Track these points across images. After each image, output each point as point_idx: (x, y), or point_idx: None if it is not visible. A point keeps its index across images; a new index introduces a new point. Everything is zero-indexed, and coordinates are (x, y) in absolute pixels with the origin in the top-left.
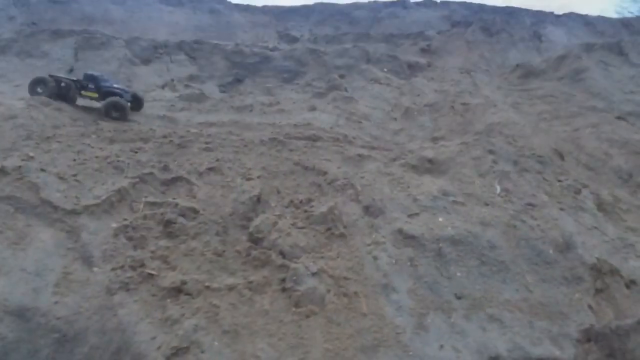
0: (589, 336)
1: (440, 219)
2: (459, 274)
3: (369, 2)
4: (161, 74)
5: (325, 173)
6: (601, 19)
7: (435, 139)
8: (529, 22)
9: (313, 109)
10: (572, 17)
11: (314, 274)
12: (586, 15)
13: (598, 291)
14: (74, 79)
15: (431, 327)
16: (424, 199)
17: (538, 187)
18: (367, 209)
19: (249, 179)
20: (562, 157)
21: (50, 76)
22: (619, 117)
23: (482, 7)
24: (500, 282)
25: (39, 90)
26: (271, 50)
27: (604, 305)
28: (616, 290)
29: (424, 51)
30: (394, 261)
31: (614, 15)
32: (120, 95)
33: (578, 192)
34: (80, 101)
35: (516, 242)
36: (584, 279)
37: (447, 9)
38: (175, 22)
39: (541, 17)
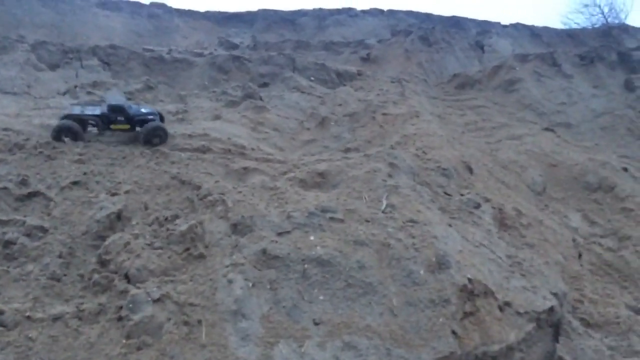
0: None
1: (312, 238)
2: (321, 298)
3: (314, 9)
4: (68, 80)
5: (199, 187)
6: (547, 30)
7: (347, 150)
8: (474, 32)
9: (217, 118)
10: (518, 27)
11: (155, 301)
12: (532, 26)
13: (466, 315)
14: (99, 113)
15: (277, 358)
16: (299, 215)
17: (432, 201)
18: (234, 227)
19: (114, 194)
20: (470, 170)
21: (68, 116)
22: (546, 129)
23: (428, 16)
24: (364, 306)
25: (66, 139)
26: (196, 56)
27: (471, 330)
28: (487, 314)
29: (363, 60)
30: (251, 284)
31: (561, 27)
32: (154, 120)
33: (477, 206)
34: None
35: (388, 262)
36: (451, 302)
37: (393, 18)
38: (111, 27)
39: (487, 27)
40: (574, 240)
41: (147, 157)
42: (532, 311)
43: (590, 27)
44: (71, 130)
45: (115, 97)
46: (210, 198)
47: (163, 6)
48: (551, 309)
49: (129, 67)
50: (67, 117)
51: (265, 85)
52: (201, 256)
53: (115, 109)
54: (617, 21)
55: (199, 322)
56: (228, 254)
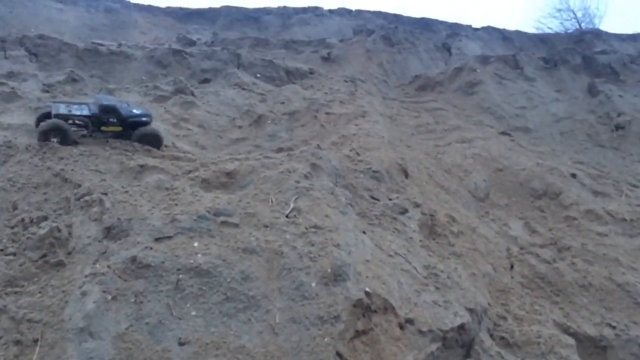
0: None
1: (196, 244)
2: (194, 313)
3: (279, 7)
4: None
5: (79, 186)
6: (519, 34)
7: (280, 150)
8: (444, 34)
9: None
10: (489, 30)
11: None
12: (504, 30)
13: (358, 333)
14: (88, 114)
15: None
16: (186, 219)
17: (350, 206)
18: (107, 231)
19: None
20: (406, 173)
21: (57, 116)
22: (503, 133)
23: (397, 17)
24: (243, 323)
25: (54, 139)
26: (137, 50)
27: (361, 351)
28: (383, 332)
29: (324, 59)
30: (110, 297)
31: (533, 31)
32: (148, 122)
33: (404, 212)
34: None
35: (277, 273)
36: (341, 319)
37: (361, 18)
38: (65, 20)
39: (457, 30)
40: (508, 250)
41: (32, 152)
42: (437, 329)
43: (563, 32)
44: (61, 130)
45: (106, 97)
46: (87, 198)
47: (121, 1)
48: (462, 327)
49: (59, 59)
50: (56, 116)
51: (206, 81)
52: (60, 264)
53: (108, 110)
54: (590, 26)
55: (35, 341)
56: (92, 262)
